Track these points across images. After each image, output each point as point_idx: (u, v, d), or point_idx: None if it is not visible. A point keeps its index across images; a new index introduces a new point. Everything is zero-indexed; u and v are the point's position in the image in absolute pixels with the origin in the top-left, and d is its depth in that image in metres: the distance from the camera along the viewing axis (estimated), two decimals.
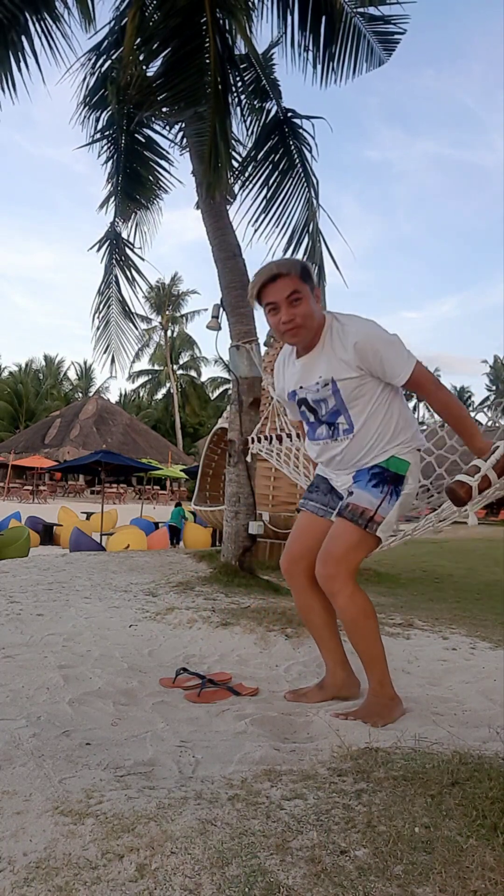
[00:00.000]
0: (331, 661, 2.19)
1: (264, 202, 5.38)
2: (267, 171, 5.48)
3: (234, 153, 5.46)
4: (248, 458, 3.58)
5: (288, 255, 5.22)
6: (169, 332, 45.28)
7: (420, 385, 1.90)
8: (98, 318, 6.37)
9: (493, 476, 1.39)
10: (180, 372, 46.41)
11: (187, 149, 5.60)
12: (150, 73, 4.84)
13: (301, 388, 2.02)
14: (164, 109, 5.04)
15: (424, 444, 2.11)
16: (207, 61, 4.32)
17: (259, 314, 5.23)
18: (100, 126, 6.06)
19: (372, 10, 5.32)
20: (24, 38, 4.77)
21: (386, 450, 1.95)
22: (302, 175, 5.43)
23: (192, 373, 47.26)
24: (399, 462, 1.94)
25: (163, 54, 4.54)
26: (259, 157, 5.57)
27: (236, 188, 5.49)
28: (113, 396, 48.31)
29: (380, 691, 1.96)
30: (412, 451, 1.99)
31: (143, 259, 6.39)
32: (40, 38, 4.87)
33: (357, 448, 1.98)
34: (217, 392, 47.36)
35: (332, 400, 1.96)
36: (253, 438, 3.49)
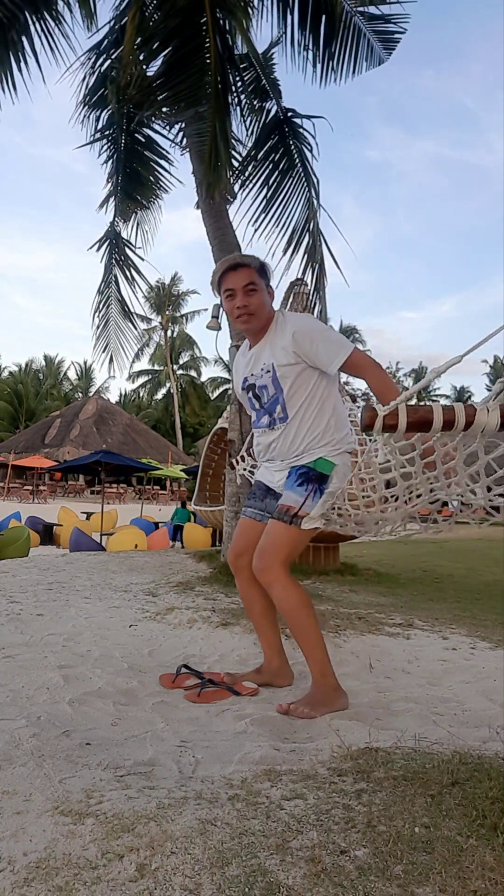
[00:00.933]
0: (268, 649, 2.32)
1: (264, 202, 5.37)
2: (267, 171, 5.48)
3: (234, 153, 5.46)
4: (237, 479, 3.56)
5: (288, 255, 5.22)
6: (169, 332, 45.28)
7: (358, 366, 2.00)
8: (98, 317, 6.38)
9: (403, 419, 1.33)
10: (180, 372, 46.41)
11: (187, 148, 5.61)
12: (150, 73, 4.84)
13: (251, 374, 2.18)
14: (164, 109, 5.04)
15: (354, 447, 2.26)
16: (207, 61, 4.33)
17: None
18: (100, 125, 6.06)
19: (372, 10, 5.32)
20: (24, 37, 4.77)
21: (315, 450, 2.07)
22: (302, 175, 5.43)
23: (192, 373, 47.28)
24: (325, 463, 2.06)
25: (163, 54, 4.55)
26: (259, 156, 5.57)
27: (236, 188, 5.49)
28: (113, 396, 48.35)
29: (321, 681, 2.03)
30: (342, 453, 2.11)
31: (142, 259, 6.40)
32: (40, 37, 4.87)
33: (290, 438, 2.10)
34: (217, 392, 47.36)
35: (272, 388, 2.11)
36: (237, 460, 3.47)
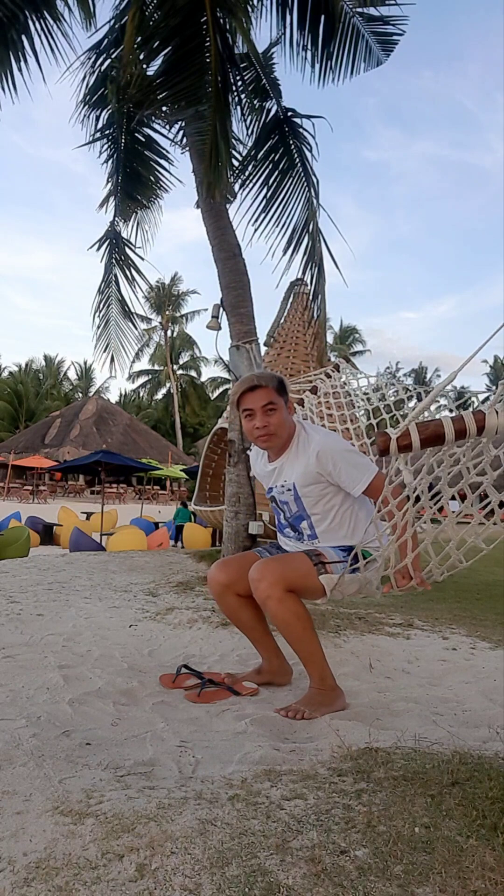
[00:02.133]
0: (265, 652, 2.32)
1: (264, 201, 5.37)
2: (267, 171, 5.47)
3: (234, 152, 5.46)
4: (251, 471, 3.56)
5: (288, 255, 5.22)
6: (169, 332, 45.27)
7: (378, 492, 1.91)
8: (98, 317, 6.37)
9: (416, 437, 1.34)
10: (180, 372, 46.40)
11: (187, 148, 5.60)
12: (150, 72, 4.84)
13: (274, 486, 2.18)
14: (164, 108, 5.04)
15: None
16: (208, 60, 4.32)
17: (258, 314, 5.24)
18: (100, 125, 6.06)
19: (371, 11, 5.32)
20: (23, 36, 4.77)
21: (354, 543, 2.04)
22: (302, 174, 5.42)
23: (192, 373, 47.26)
24: (365, 551, 2.01)
25: (163, 53, 4.54)
26: (259, 156, 5.56)
27: (236, 187, 5.49)
28: (113, 396, 48.36)
29: (321, 685, 2.03)
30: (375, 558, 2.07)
31: (142, 258, 6.39)
32: (40, 36, 4.87)
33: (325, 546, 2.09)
34: (217, 392, 47.36)
35: (294, 505, 2.12)
36: (250, 447, 3.46)
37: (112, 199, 6.33)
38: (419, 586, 1.79)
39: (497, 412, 1.31)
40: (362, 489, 1.99)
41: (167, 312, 44.47)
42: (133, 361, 42.87)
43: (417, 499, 1.64)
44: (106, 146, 6.23)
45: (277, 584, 1.94)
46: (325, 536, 2.10)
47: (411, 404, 3.31)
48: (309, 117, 5.51)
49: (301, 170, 5.43)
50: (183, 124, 5.59)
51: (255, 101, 5.73)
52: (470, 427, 1.31)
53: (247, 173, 5.56)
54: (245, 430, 2.16)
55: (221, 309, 5.23)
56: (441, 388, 1.45)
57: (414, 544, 1.78)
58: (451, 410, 3.01)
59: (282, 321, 7.94)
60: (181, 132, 5.86)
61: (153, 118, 5.84)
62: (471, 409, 1.56)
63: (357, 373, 3.40)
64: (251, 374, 2.17)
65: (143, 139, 6.28)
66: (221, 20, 4.49)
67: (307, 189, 5.37)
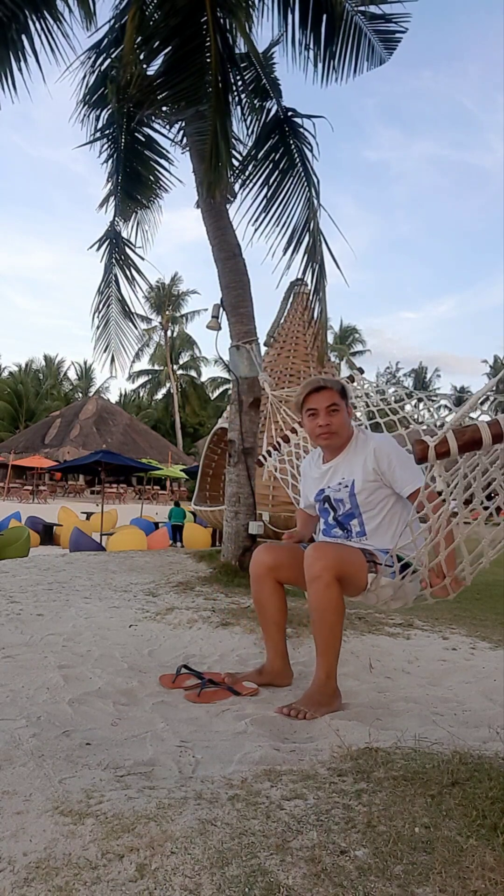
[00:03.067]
0: (272, 652, 2.34)
1: (264, 201, 5.37)
2: (267, 171, 5.47)
3: (234, 152, 5.46)
4: (264, 475, 3.58)
5: (288, 254, 5.22)
6: (169, 332, 45.27)
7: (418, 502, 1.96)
8: (98, 317, 6.37)
9: (454, 443, 1.35)
10: (180, 372, 46.40)
11: (187, 148, 5.60)
12: (150, 72, 4.84)
13: (328, 487, 2.25)
14: (164, 108, 5.04)
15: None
16: (208, 60, 4.32)
17: (258, 314, 5.24)
18: (100, 125, 6.06)
19: (373, 9, 5.32)
20: (23, 36, 4.76)
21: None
22: (302, 174, 5.42)
23: (192, 373, 47.25)
24: (402, 556, 2.06)
25: (163, 53, 4.54)
26: (259, 156, 5.56)
27: (236, 187, 5.49)
28: (113, 396, 48.34)
29: (324, 682, 2.04)
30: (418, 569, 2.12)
31: (142, 258, 6.39)
32: (40, 36, 4.87)
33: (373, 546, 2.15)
34: (217, 392, 47.35)
35: (348, 502, 2.18)
36: (265, 455, 3.48)
37: (112, 198, 6.33)
38: (452, 588, 1.84)
39: None
40: (411, 490, 2.06)
41: (167, 312, 44.47)
42: (133, 361, 42.90)
43: (468, 501, 1.65)
44: (106, 146, 6.23)
45: (331, 569, 1.97)
46: (373, 534, 2.16)
47: (408, 408, 3.31)
48: (309, 117, 5.51)
49: (301, 169, 5.43)
50: (183, 124, 5.59)
51: (255, 101, 5.73)
52: None
53: (247, 173, 5.56)
54: (307, 428, 2.28)
55: (221, 309, 5.24)
56: (480, 396, 1.46)
57: (448, 544, 1.81)
58: (449, 410, 3.01)
59: (282, 321, 7.94)
60: (181, 132, 5.86)
61: (153, 118, 5.84)
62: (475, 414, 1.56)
63: (372, 384, 3.42)
64: (317, 377, 2.31)
65: (143, 139, 6.28)
66: (222, 20, 4.49)
67: (307, 189, 5.37)
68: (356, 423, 2.56)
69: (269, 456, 3.40)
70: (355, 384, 3.35)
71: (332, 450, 2.26)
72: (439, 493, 1.59)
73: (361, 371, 3.52)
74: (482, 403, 1.57)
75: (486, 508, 1.78)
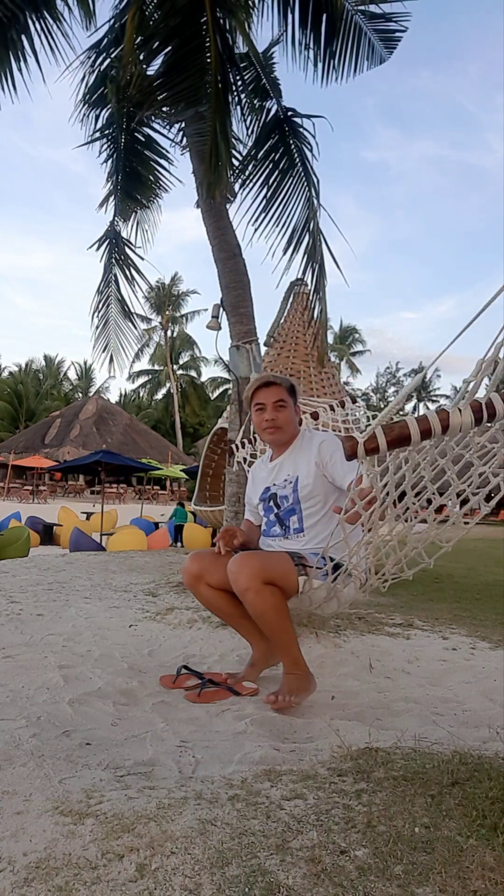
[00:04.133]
0: (249, 637, 2.35)
1: (264, 201, 5.36)
2: (267, 171, 5.47)
3: (234, 152, 5.45)
4: (234, 466, 3.62)
5: (288, 254, 5.22)
6: (169, 332, 45.27)
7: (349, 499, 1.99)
8: (97, 317, 6.36)
9: (382, 440, 1.35)
10: (180, 372, 46.41)
11: (187, 148, 5.60)
12: (150, 72, 4.83)
13: (274, 484, 2.30)
14: (164, 108, 5.03)
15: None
16: (208, 60, 4.32)
17: (258, 314, 5.24)
18: (99, 124, 6.05)
19: (373, 8, 5.31)
20: (23, 36, 4.76)
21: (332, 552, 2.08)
22: (302, 174, 5.42)
23: (192, 373, 47.27)
24: (338, 563, 2.05)
25: (163, 53, 4.54)
26: (259, 155, 5.56)
27: (236, 187, 5.48)
28: (113, 396, 48.36)
29: (295, 669, 2.08)
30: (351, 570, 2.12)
31: (142, 258, 6.38)
32: (40, 36, 4.86)
33: (306, 546, 2.18)
34: (217, 392, 47.36)
35: (291, 498, 2.23)
36: (237, 446, 3.50)
37: (112, 198, 6.33)
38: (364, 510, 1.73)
39: (461, 410, 1.31)
40: (350, 480, 2.05)
41: (167, 312, 44.48)
42: (133, 361, 42.92)
43: (402, 496, 1.64)
44: (105, 146, 6.22)
45: (256, 577, 1.98)
46: (310, 531, 2.18)
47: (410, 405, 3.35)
48: (309, 117, 5.50)
49: (301, 169, 5.43)
50: (183, 125, 5.59)
51: (255, 101, 5.72)
52: (434, 426, 1.31)
53: (247, 173, 5.55)
54: (255, 422, 2.33)
55: (221, 309, 5.23)
56: (406, 393, 1.46)
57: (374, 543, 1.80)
58: (407, 395, 3.04)
59: (282, 321, 7.94)
60: (181, 132, 5.86)
61: (153, 118, 5.84)
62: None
63: (357, 409, 3.46)
64: (266, 373, 2.32)
65: (143, 139, 6.27)
66: (221, 20, 4.48)
67: (307, 189, 5.37)
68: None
69: (243, 447, 3.42)
70: (346, 410, 3.40)
71: (278, 446, 2.33)
72: (372, 489, 1.58)
73: (354, 400, 3.57)
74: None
75: (408, 508, 1.77)
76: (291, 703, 2.00)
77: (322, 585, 2.04)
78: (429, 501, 1.75)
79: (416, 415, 1.41)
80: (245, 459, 3.38)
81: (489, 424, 1.35)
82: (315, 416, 3.34)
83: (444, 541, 1.82)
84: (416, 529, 1.92)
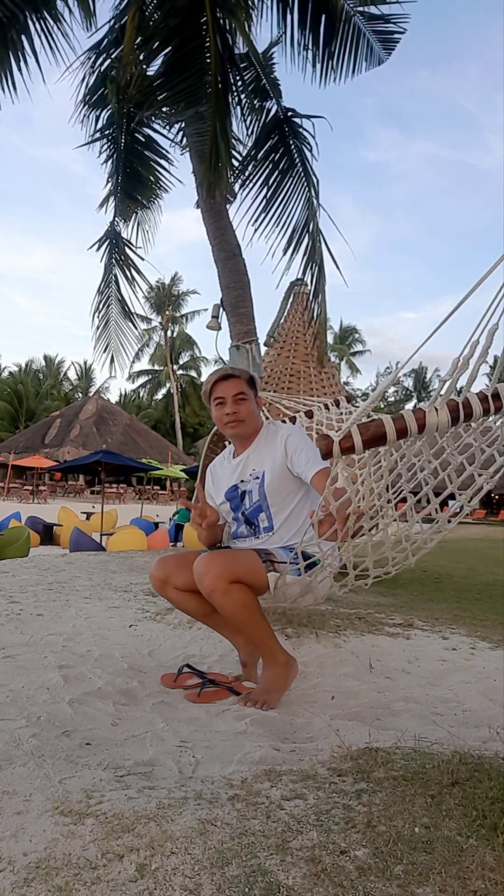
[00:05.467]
0: (229, 635, 2.34)
1: (264, 201, 5.37)
2: (267, 171, 5.48)
3: (234, 152, 5.46)
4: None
5: (288, 255, 5.22)
6: (169, 332, 45.28)
7: (322, 482, 1.96)
8: (98, 317, 6.37)
9: (358, 439, 1.33)
10: (180, 372, 46.42)
11: (187, 148, 5.60)
12: (150, 73, 4.84)
13: (241, 481, 2.25)
14: (164, 109, 5.04)
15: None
16: (208, 61, 4.33)
17: (258, 314, 5.24)
18: (99, 125, 6.07)
19: (372, 9, 5.32)
20: (23, 36, 4.77)
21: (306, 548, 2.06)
22: (302, 174, 5.42)
23: (192, 373, 47.27)
24: (308, 554, 2.03)
25: (163, 53, 4.55)
26: (259, 156, 5.57)
27: (236, 187, 5.49)
28: (113, 396, 48.39)
29: (273, 663, 2.07)
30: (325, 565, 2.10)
31: (142, 259, 6.40)
32: (40, 36, 4.87)
33: (276, 544, 2.14)
34: None
35: (257, 494, 2.17)
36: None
37: (112, 199, 6.34)
38: (341, 534, 1.67)
39: (437, 410, 1.30)
40: (314, 472, 2.03)
41: (167, 312, 44.49)
42: (133, 361, 42.94)
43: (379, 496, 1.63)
44: (106, 146, 6.23)
45: (222, 577, 1.94)
46: (280, 529, 2.15)
47: (410, 405, 3.35)
48: (309, 117, 5.51)
49: (301, 170, 5.44)
50: (183, 125, 5.59)
51: (255, 101, 5.73)
52: (411, 426, 1.30)
53: (247, 173, 5.56)
54: (215, 417, 2.25)
55: (221, 309, 5.24)
56: (381, 392, 1.46)
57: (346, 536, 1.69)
58: (383, 390, 3.04)
59: (282, 321, 7.93)
60: (181, 132, 5.87)
61: (153, 118, 5.84)
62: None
63: (354, 408, 3.46)
64: (224, 367, 2.31)
65: (143, 139, 6.28)
66: (221, 20, 4.49)
67: (307, 189, 5.37)
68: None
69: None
70: (340, 409, 3.39)
71: (241, 441, 2.26)
72: (344, 491, 1.56)
73: (349, 399, 3.56)
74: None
75: (389, 502, 1.76)
76: (263, 708, 1.97)
77: (296, 581, 2.02)
78: (405, 500, 1.74)
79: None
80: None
81: (468, 424, 1.34)
82: (310, 414, 3.34)
83: (428, 541, 1.81)
84: (397, 528, 1.91)
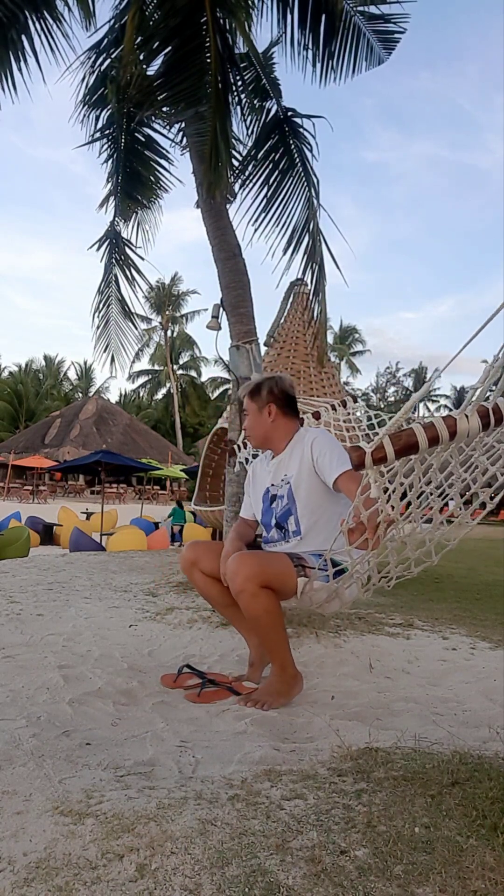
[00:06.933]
0: (245, 632, 2.39)
1: (264, 201, 5.36)
2: (267, 171, 5.47)
3: (234, 152, 5.45)
4: (236, 466, 3.64)
5: (288, 255, 5.21)
6: (169, 332, 45.27)
7: (348, 484, 2.01)
8: (98, 317, 6.37)
9: (390, 449, 1.35)
10: (180, 372, 46.41)
11: (187, 148, 5.60)
12: (150, 73, 4.84)
13: (272, 485, 2.31)
14: (164, 109, 5.03)
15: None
16: (208, 61, 4.32)
17: (258, 314, 5.24)
18: (99, 125, 6.05)
19: (372, 9, 5.32)
20: (23, 36, 4.76)
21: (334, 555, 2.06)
22: (302, 174, 5.42)
23: (192, 373, 47.27)
24: (336, 560, 2.04)
25: (163, 53, 4.54)
26: (259, 156, 5.56)
27: (236, 187, 5.49)
28: (113, 396, 48.34)
29: (281, 673, 2.09)
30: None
31: (142, 258, 6.39)
32: (40, 36, 4.86)
33: (305, 549, 2.16)
34: (217, 392, 47.36)
35: (286, 498, 2.22)
36: (238, 446, 3.51)
37: (112, 199, 6.33)
38: (372, 544, 1.67)
39: (467, 417, 1.31)
40: (337, 475, 2.05)
41: (167, 312, 44.48)
42: (133, 361, 42.87)
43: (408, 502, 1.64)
44: (106, 146, 6.22)
45: (252, 580, 1.97)
46: (308, 535, 2.17)
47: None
48: (309, 117, 5.50)
49: (301, 169, 5.43)
50: (183, 125, 5.59)
51: (255, 101, 5.72)
52: (442, 433, 1.32)
53: (247, 173, 5.55)
54: None
55: (221, 309, 5.23)
56: (414, 403, 1.47)
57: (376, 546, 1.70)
58: (450, 410, 3.04)
59: (282, 321, 7.94)
60: (181, 132, 5.86)
61: (153, 118, 5.84)
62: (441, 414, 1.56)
63: (359, 408, 3.46)
64: (246, 382, 2.44)
65: (143, 139, 6.27)
66: (221, 20, 4.48)
67: (307, 189, 5.37)
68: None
69: (245, 447, 3.43)
70: (347, 409, 3.40)
71: (273, 446, 2.34)
72: (376, 500, 1.57)
73: (355, 399, 3.57)
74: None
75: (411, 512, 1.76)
76: (263, 707, 2.01)
77: (323, 587, 2.03)
78: (434, 502, 1.75)
79: (416, 415, 1.41)
80: (247, 460, 3.39)
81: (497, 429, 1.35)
82: (317, 415, 3.34)
83: (450, 539, 1.82)
84: (421, 529, 1.91)
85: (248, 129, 5.78)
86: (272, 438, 2.31)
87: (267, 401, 2.30)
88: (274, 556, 2.10)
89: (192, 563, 2.31)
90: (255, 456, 3.33)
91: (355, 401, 3.56)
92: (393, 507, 1.58)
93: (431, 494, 1.67)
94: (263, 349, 6.87)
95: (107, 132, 6.12)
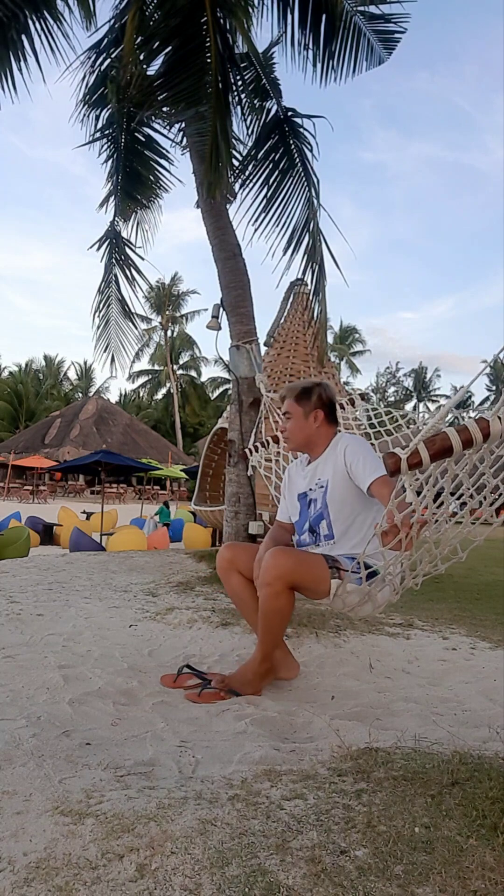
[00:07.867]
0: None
1: (264, 201, 5.36)
2: (267, 171, 5.47)
3: (234, 152, 5.45)
4: (249, 470, 3.65)
5: (288, 254, 5.21)
6: (169, 332, 45.27)
7: (382, 489, 2.03)
8: (98, 317, 6.37)
9: (425, 454, 1.38)
10: (180, 372, 46.41)
11: (187, 148, 5.60)
12: (150, 72, 4.83)
13: (310, 489, 2.33)
14: (164, 109, 5.03)
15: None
16: (208, 61, 4.32)
17: (258, 314, 5.24)
18: (99, 125, 6.05)
19: (372, 9, 5.32)
20: (23, 36, 4.76)
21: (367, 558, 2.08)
22: (302, 174, 5.42)
23: (192, 373, 47.27)
24: (368, 563, 2.04)
25: (163, 53, 4.54)
26: (259, 156, 5.56)
27: (236, 187, 5.48)
28: (113, 396, 48.37)
29: (258, 662, 2.17)
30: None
31: (142, 258, 6.39)
32: (40, 36, 4.86)
33: (338, 552, 2.18)
34: (217, 392, 47.36)
35: (320, 503, 2.24)
36: (251, 449, 3.51)
37: (112, 198, 6.33)
38: (406, 544, 1.68)
39: (500, 418, 1.33)
40: (371, 480, 2.06)
41: (167, 312, 44.47)
42: (133, 361, 42.92)
43: (441, 503, 1.65)
44: (106, 146, 6.23)
45: (283, 577, 1.99)
46: (340, 539, 2.18)
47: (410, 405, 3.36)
48: (309, 117, 5.50)
49: (301, 169, 5.43)
50: (183, 125, 5.59)
51: (255, 101, 5.72)
52: (475, 436, 1.34)
53: (247, 173, 5.55)
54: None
55: (221, 309, 5.23)
56: (450, 407, 1.48)
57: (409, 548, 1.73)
58: (449, 410, 3.04)
59: (282, 321, 7.93)
60: (181, 132, 5.86)
61: (153, 118, 5.84)
62: (472, 415, 1.57)
63: (368, 407, 3.45)
64: (288, 384, 2.49)
65: (143, 139, 6.28)
66: (221, 20, 4.48)
67: (307, 189, 5.37)
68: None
69: (256, 451, 3.43)
70: (355, 408, 3.40)
71: (309, 450, 2.36)
72: (409, 504, 1.59)
73: (364, 398, 3.56)
74: (481, 404, 1.58)
75: (454, 513, 1.78)
76: (221, 696, 2.10)
77: (356, 590, 2.03)
78: (464, 504, 1.76)
79: (422, 415, 1.42)
80: (260, 464, 3.39)
81: None
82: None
83: (476, 536, 1.84)
84: (450, 528, 1.91)
85: (248, 128, 5.78)
86: (313, 444, 2.33)
87: (315, 406, 2.32)
88: (311, 556, 2.11)
89: (230, 562, 2.32)
90: (268, 460, 3.34)
91: (364, 399, 3.54)
92: (426, 509, 1.60)
93: (463, 495, 1.68)
94: (263, 349, 6.87)
95: (107, 132, 6.13)
